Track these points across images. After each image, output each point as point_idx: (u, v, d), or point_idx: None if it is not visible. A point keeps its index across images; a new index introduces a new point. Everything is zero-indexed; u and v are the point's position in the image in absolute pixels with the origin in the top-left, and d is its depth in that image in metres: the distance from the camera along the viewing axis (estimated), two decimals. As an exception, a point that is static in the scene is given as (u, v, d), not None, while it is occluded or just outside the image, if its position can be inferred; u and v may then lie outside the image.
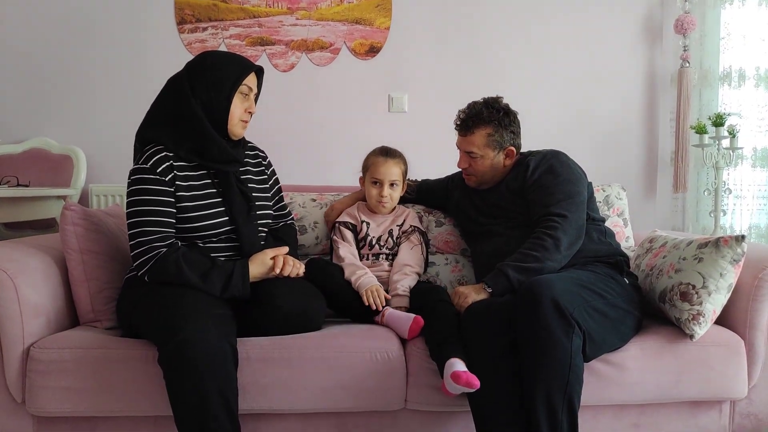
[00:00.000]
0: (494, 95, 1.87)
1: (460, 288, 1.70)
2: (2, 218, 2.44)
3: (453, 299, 1.69)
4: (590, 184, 1.85)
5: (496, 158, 1.83)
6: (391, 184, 1.93)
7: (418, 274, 1.87)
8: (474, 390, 1.42)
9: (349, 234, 1.94)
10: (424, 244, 1.94)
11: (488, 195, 1.89)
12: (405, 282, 1.80)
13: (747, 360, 1.64)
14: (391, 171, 1.92)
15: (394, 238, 1.94)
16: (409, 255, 1.89)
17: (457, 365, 1.45)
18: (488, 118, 1.80)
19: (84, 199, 2.96)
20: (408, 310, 1.74)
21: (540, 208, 1.71)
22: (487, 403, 1.46)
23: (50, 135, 3.02)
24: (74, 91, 3.04)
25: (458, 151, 1.89)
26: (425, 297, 1.73)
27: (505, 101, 1.86)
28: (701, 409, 1.68)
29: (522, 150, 1.91)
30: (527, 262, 1.62)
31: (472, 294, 1.65)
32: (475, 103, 1.85)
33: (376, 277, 1.82)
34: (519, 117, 1.87)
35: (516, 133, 1.85)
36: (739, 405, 1.69)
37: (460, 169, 1.94)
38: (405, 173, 1.98)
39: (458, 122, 1.86)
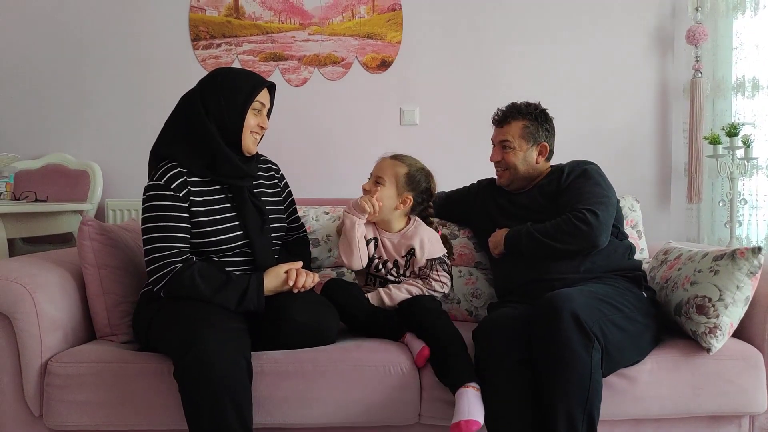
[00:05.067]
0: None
1: (494, 239, 1.87)
2: (21, 233, 2.48)
3: (489, 245, 1.88)
4: (618, 201, 1.86)
5: (529, 152, 1.88)
6: (376, 182, 1.79)
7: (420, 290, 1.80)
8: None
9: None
10: (446, 279, 1.82)
11: (518, 198, 1.91)
12: (395, 296, 1.75)
13: (766, 373, 1.61)
14: (380, 166, 1.82)
15: (400, 268, 1.82)
16: (414, 291, 1.78)
17: (464, 402, 1.43)
18: (525, 111, 1.89)
19: (100, 213, 3.00)
20: (402, 323, 1.69)
21: (570, 206, 1.73)
22: (502, 419, 1.45)
23: (67, 151, 3.07)
24: (90, 107, 3.09)
25: (492, 146, 1.95)
26: (422, 314, 1.67)
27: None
28: (720, 423, 1.65)
29: (553, 163, 1.95)
30: (547, 236, 1.71)
31: (500, 247, 1.84)
32: (514, 102, 1.94)
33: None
34: None
35: (550, 133, 1.92)
36: (758, 420, 1.67)
37: (481, 180, 1.98)
38: (401, 179, 1.80)
39: (496, 117, 1.94)
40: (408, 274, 1.83)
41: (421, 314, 1.67)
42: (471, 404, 1.43)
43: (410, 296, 1.77)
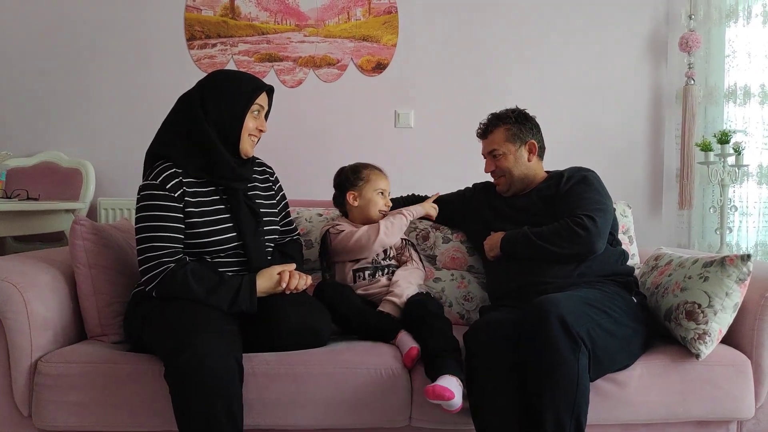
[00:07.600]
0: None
1: (491, 241, 1.86)
2: (12, 231, 2.46)
3: (485, 247, 1.88)
4: (614, 209, 1.89)
5: (519, 153, 1.90)
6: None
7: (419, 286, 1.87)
8: (449, 401, 1.42)
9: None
10: (418, 260, 1.95)
11: (516, 201, 1.93)
12: (401, 291, 1.79)
13: (754, 379, 1.63)
14: (388, 181, 2.00)
15: (386, 252, 1.93)
16: (411, 277, 1.87)
17: (445, 380, 1.45)
18: (504, 117, 1.93)
19: (92, 212, 2.99)
20: (402, 321, 1.72)
21: (568, 211, 1.75)
22: (491, 421, 1.45)
23: (60, 149, 3.06)
24: (84, 105, 3.08)
25: (484, 160, 1.97)
26: (421, 313, 1.70)
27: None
28: (708, 428, 1.66)
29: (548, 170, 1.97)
30: (544, 240, 1.72)
31: (496, 250, 1.84)
32: (493, 112, 1.97)
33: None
34: None
35: (535, 130, 1.94)
36: (746, 425, 1.68)
37: (476, 183, 2.02)
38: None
39: (479, 131, 1.97)
40: (391, 257, 1.92)
41: (421, 316, 1.69)
42: (451, 383, 1.45)
43: (410, 285, 1.81)
